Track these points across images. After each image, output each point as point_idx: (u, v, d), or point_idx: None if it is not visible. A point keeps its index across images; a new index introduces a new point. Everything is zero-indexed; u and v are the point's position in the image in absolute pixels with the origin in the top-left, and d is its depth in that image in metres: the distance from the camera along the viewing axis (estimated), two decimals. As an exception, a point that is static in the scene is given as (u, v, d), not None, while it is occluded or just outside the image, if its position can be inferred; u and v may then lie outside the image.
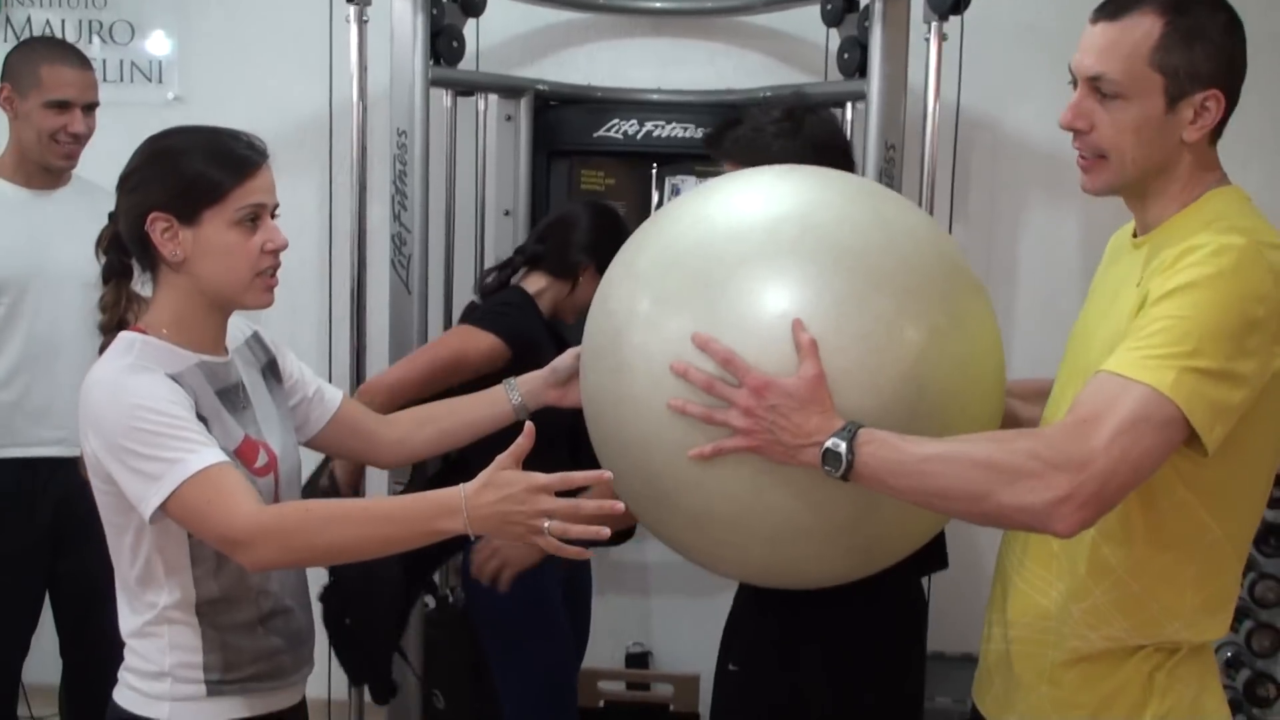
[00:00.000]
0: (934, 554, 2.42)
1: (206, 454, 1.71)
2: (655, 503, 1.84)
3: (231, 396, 1.88)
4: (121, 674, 1.89)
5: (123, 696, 1.87)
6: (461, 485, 1.69)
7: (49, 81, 2.91)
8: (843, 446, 1.59)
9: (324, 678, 2.98)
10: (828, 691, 2.27)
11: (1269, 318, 1.55)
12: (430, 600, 3.44)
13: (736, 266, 1.71)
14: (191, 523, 1.73)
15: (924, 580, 2.51)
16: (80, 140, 2.95)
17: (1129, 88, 1.65)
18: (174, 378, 1.77)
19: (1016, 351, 3.97)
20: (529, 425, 1.74)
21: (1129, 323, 1.61)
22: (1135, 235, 1.80)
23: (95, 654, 2.94)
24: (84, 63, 2.99)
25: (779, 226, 1.74)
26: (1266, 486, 1.72)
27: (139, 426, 1.70)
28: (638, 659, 4.08)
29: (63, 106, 2.92)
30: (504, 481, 1.67)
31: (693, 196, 1.93)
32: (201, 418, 1.77)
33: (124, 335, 1.82)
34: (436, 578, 3.54)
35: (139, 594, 1.84)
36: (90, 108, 2.98)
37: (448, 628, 3.48)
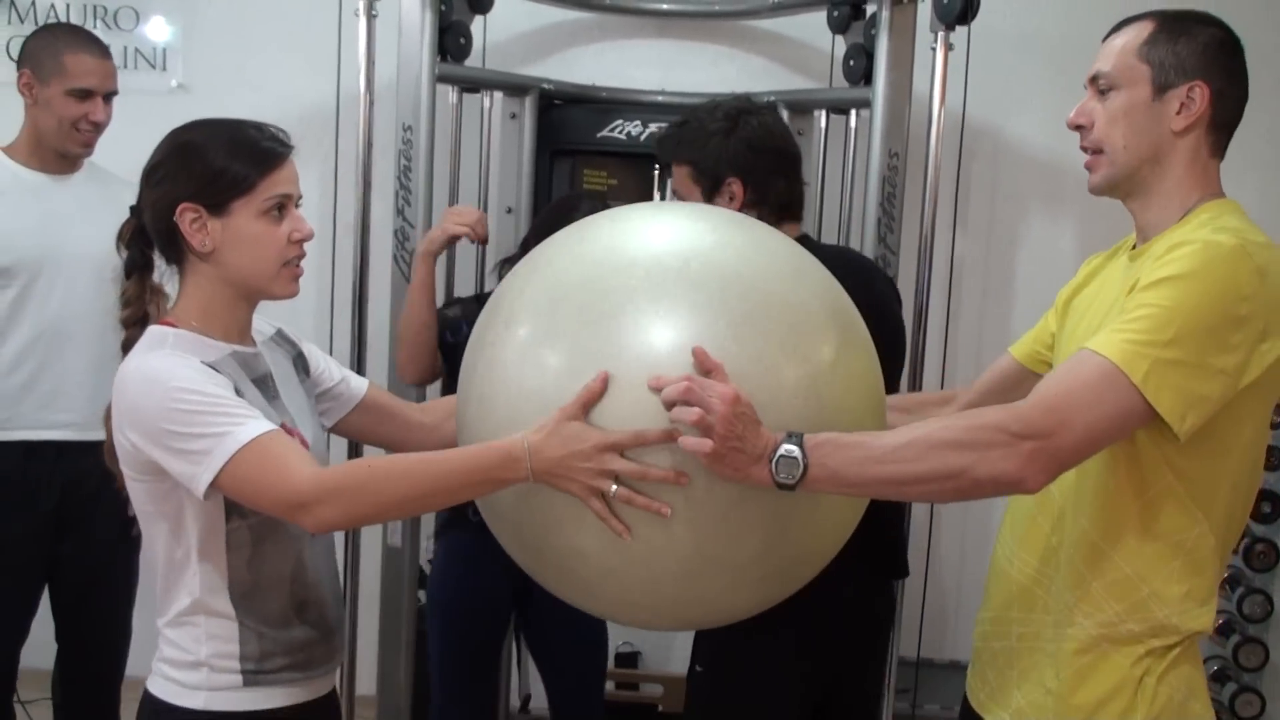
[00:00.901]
0: (893, 562, 2.46)
1: (254, 425, 1.72)
2: (543, 554, 1.82)
3: (264, 386, 1.90)
4: (156, 664, 1.89)
5: (158, 686, 1.87)
6: (523, 434, 1.67)
7: (73, 69, 2.91)
8: (796, 451, 1.62)
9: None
10: (791, 690, 2.30)
11: (1253, 316, 1.62)
12: (422, 595, 3.44)
13: (624, 300, 1.69)
14: (248, 493, 1.73)
15: (896, 588, 2.53)
16: (100, 129, 2.95)
17: (1120, 78, 1.80)
18: (210, 366, 1.79)
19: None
20: (602, 370, 1.66)
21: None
22: (1134, 247, 1.86)
23: (91, 639, 2.95)
24: (105, 51, 3.00)
25: (661, 260, 1.73)
26: (1252, 483, 1.79)
27: (181, 408, 1.70)
28: (627, 659, 4.09)
29: (85, 95, 2.92)
30: (571, 434, 1.65)
31: (569, 234, 1.90)
32: (240, 396, 1.79)
33: (154, 329, 1.84)
34: (426, 568, 3.55)
35: (175, 583, 1.85)
36: (110, 96, 2.98)
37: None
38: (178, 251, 1.86)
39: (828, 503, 1.76)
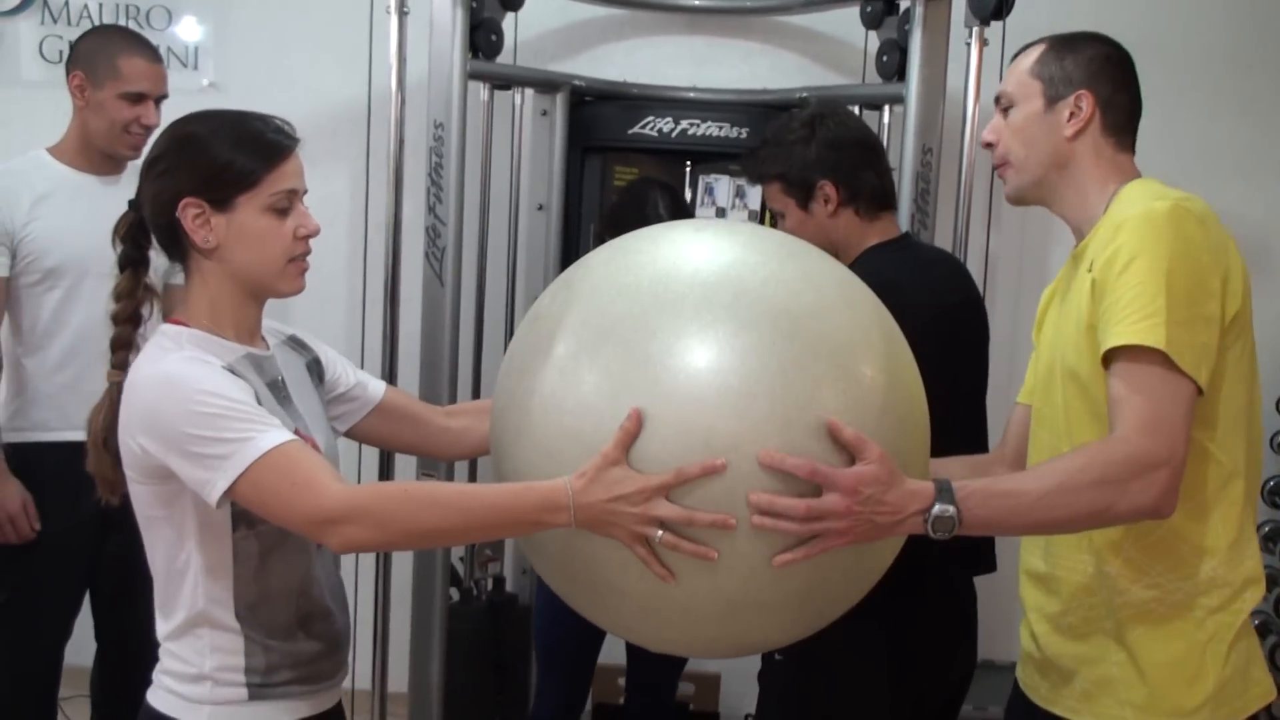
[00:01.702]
0: (979, 557, 2.44)
1: (277, 433, 1.67)
2: (581, 588, 1.81)
3: (276, 390, 1.85)
4: (157, 676, 1.84)
5: (159, 699, 1.82)
6: (566, 479, 1.62)
7: (128, 73, 2.93)
8: (951, 510, 1.66)
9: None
10: (877, 679, 2.29)
11: (1213, 261, 1.76)
12: (454, 593, 3.45)
13: (671, 340, 1.64)
14: (268, 504, 1.66)
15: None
16: (150, 132, 2.95)
17: (1017, 96, 1.97)
18: (229, 369, 1.74)
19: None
20: (634, 409, 1.61)
21: (1086, 308, 1.80)
22: (1075, 248, 1.95)
23: (131, 639, 2.95)
24: (157, 55, 3.02)
25: (710, 297, 1.68)
26: (1254, 417, 1.89)
27: (202, 410, 1.65)
28: (658, 657, 4.07)
29: (138, 98, 2.94)
30: (613, 480, 1.59)
31: (611, 260, 1.84)
32: (261, 406, 1.73)
33: (167, 328, 1.79)
34: (461, 570, 3.55)
35: (176, 593, 1.80)
36: (160, 100, 2.99)
37: (471, 620, 3.50)
38: (180, 248, 1.80)
39: (871, 547, 1.73)
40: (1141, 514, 1.70)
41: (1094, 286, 1.78)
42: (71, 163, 2.98)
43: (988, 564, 2.47)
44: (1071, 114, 1.92)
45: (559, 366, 1.70)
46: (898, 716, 2.34)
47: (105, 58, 2.93)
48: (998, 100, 2.01)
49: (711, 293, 1.67)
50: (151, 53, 3.00)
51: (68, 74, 2.96)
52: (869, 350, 1.72)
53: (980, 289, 3.56)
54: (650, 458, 1.60)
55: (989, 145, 2.02)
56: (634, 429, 1.60)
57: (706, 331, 1.64)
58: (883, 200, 2.46)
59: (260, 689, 1.80)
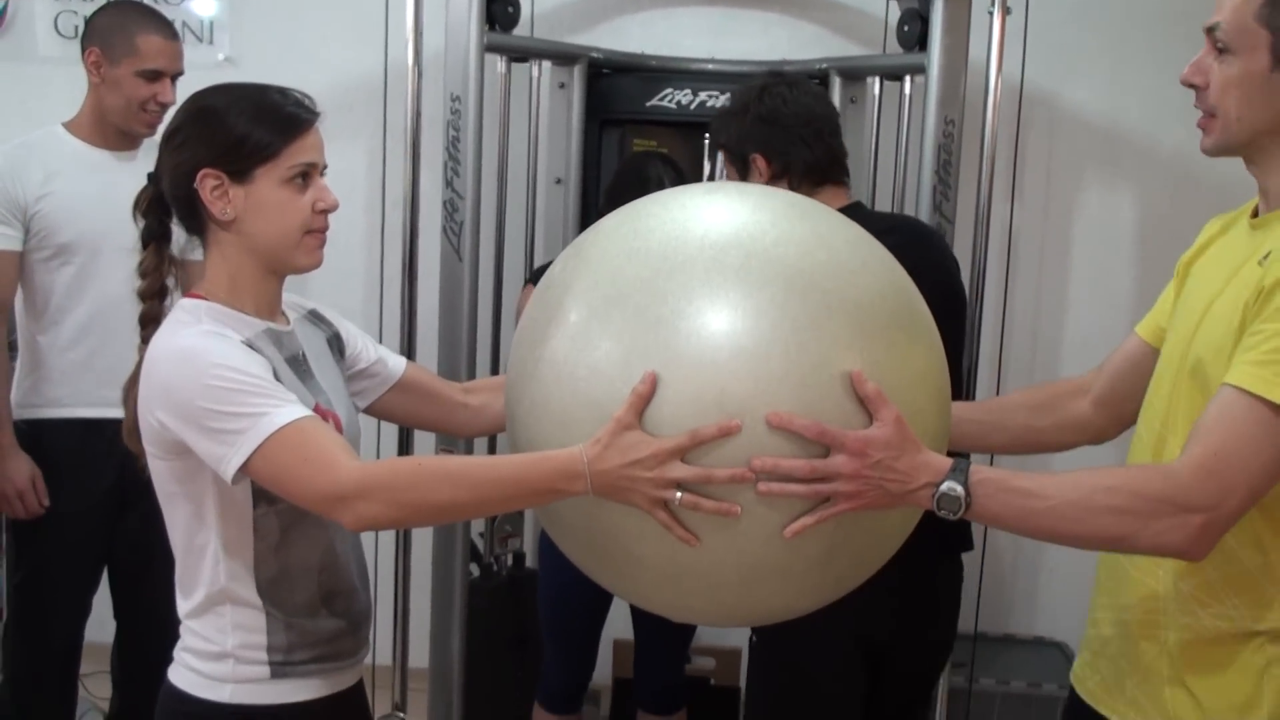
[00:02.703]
0: (957, 535, 2.44)
1: (292, 409, 1.65)
2: (600, 559, 1.79)
3: (297, 365, 1.84)
4: (178, 653, 1.84)
5: (180, 677, 1.82)
6: (581, 447, 1.60)
7: (145, 50, 2.91)
8: (959, 490, 1.60)
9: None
10: (844, 656, 2.33)
11: None
12: (475, 569, 3.44)
13: (683, 303, 1.62)
14: (282, 481, 1.65)
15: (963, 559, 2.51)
16: (165, 109, 2.94)
17: (1236, 41, 1.66)
18: (248, 344, 1.73)
19: (1068, 332, 3.96)
20: (648, 372, 1.58)
21: (1244, 309, 1.62)
22: (1255, 215, 1.77)
23: (149, 616, 2.96)
24: (174, 32, 3.00)
25: (721, 259, 1.65)
26: None
27: (218, 385, 1.64)
28: (678, 631, 4.07)
29: (155, 76, 2.93)
30: (628, 444, 1.57)
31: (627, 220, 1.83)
32: (278, 381, 1.72)
33: (186, 302, 1.78)
34: (481, 546, 3.55)
35: (198, 571, 1.79)
36: (176, 77, 2.98)
37: (491, 596, 3.49)
38: (198, 221, 1.80)
39: (890, 513, 1.71)
40: (1166, 553, 1.61)
41: (1260, 292, 1.60)
42: (86, 138, 2.97)
43: (965, 541, 2.48)
44: None
45: (570, 333, 1.68)
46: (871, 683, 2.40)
47: (122, 35, 2.92)
48: (1210, 32, 1.69)
49: (722, 254, 1.65)
50: (168, 30, 2.98)
51: (83, 50, 2.95)
52: (885, 310, 1.69)
53: (1004, 262, 3.55)
54: (663, 421, 1.58)
55: (1191, 86, 1.74)
56: (647, 392, 1.57)
57: (718, 293, 1.61)
58: (821, 174, 2.45)
59: (282, 667, 1.80)
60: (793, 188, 2.40)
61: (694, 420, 1.57)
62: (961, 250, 3.13)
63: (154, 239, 1.85)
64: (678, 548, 1.63)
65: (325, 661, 1.84)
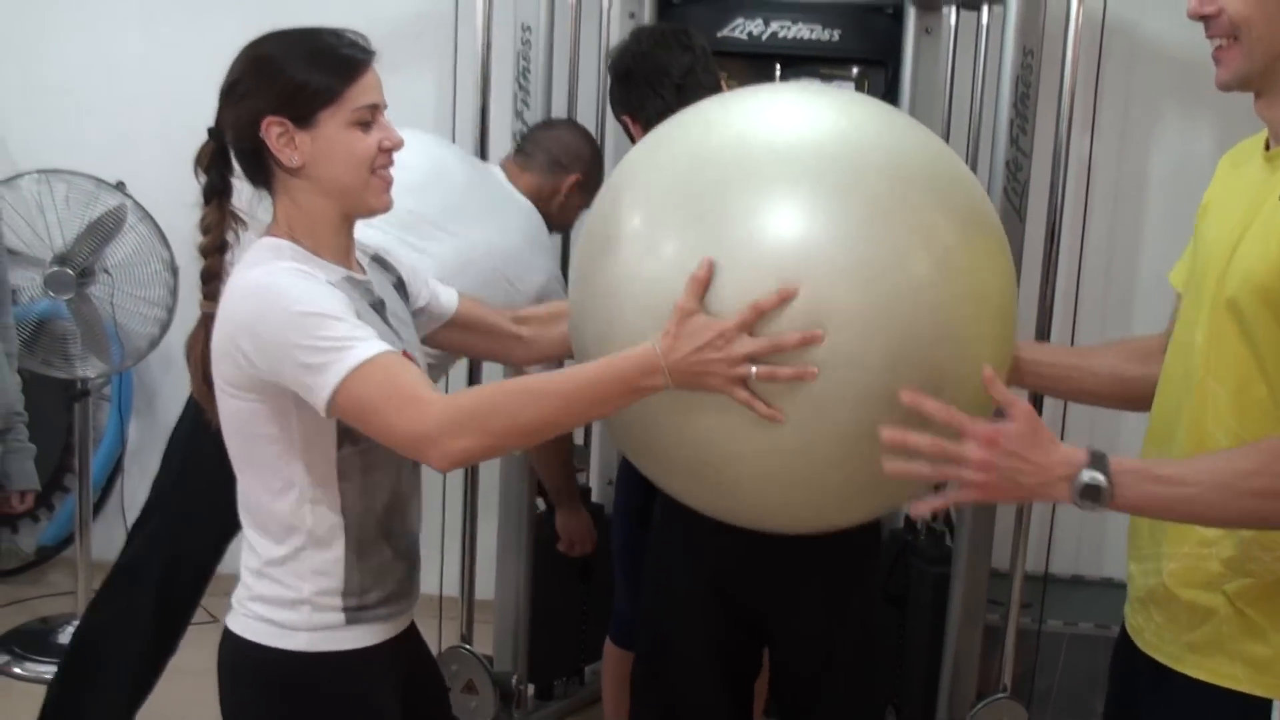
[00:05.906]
0: None
1: (374, 344, 1.65)
2: (701, 468, 1.80)
3: (379, 310, 1.83)
4: (244, 603, 1.81)
5: (248, 628, 1.79)
6: (651, 340, 1.63)
7: None
8: (1102, 479, 1.57)
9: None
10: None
11: None
12: (540, 503, 3.45)
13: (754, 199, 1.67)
14: (368, 418, 1.65)
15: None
16: None
17: None
18: (331, 284, 1.72)
19: (1144, 264, 3.89)
20: (705, 258, 1.63)
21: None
22: (1267, 148, 1.73)
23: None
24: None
25: (791, 153, 1.70)
26: None
27: (308, 311, 1.64)
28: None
29: None
30: (694, 329, 1.61)
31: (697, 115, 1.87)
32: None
33: (267, 241, 1.78)
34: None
35: (281, 515, 1.77)
36: None
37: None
38: (266, 172, 1.78)
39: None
40: None
41: None
42: None
43: None
44: None
45: (635, 239, 1.72)
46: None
47: None
48: None
49: (790, 153, 1.69)
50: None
51: None
52: (955, 219, 1.70)
53: (1083, 198, 3.48)
54: (724, 305, 1.63)
55: (1201, 17, 1.68)
56: (705, 276, 1.62)
57: (783, 193, 1.65)
58: None
59: (356, 612, 1.79)
60: None
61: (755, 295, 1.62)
62: (1039, 186, 3.08)
63: (216, 194, 1.83)
64: (772, 435, 1.65)
65: (392, 604, 1.85)
